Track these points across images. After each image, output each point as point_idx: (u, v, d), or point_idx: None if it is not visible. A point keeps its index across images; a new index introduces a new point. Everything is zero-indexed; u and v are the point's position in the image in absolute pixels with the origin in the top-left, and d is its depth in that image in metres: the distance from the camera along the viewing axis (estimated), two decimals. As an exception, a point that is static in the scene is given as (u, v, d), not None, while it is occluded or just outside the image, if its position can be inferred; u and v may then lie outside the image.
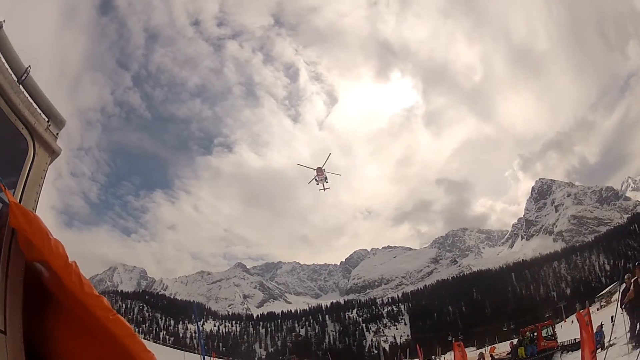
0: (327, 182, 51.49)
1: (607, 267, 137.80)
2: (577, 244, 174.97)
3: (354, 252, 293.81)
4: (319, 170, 50.79)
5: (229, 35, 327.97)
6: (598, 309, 66.72)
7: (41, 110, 3.22)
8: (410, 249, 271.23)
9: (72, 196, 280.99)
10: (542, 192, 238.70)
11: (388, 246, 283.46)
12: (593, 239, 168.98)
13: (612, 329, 12.05)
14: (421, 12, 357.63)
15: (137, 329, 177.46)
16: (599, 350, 14.25)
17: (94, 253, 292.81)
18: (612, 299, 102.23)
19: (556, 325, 33.80)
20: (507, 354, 26.97)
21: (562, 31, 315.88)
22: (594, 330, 13.71)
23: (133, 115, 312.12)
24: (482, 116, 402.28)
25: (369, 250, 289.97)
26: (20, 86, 3.02)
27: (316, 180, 51.29)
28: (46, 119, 3.22)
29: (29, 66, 3.04)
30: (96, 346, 2.15)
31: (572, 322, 69.55)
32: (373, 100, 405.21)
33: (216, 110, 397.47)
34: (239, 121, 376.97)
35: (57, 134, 3.26)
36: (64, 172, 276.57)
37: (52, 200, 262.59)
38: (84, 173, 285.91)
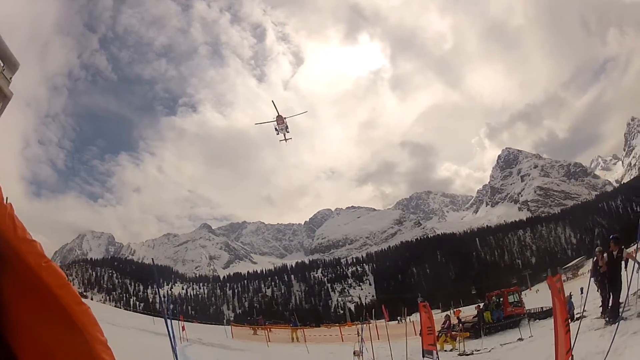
0: (288, 132, 49.28)
1: (574, 240, 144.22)
2: (543, 215, 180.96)
3: (318, 212, 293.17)
4: (279, 119, 48.44)
5: None
6: (564, 281, 67.86)
7: None
8: (374, 209, 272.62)
9: (40, 165, 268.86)
10: (508, 161, 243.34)
11: (352, 206, 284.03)
12: (559, 211, 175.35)
13: (583, 301, 11.69)
14: None
15: (108, 297, 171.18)
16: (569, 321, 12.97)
17: (62, 222, 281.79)
18: (578, 272, 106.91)
19: (522, 293, 34.08)
20: (473, 317, 26.19)
21: (540, 10, 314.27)
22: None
23: (99, 78, 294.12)
24: (449, 84, 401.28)
25: (332, 210, 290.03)
26: None
27: (276, 129, 48.95)
28: (0, 64, 2.63)
29: None
30: (28, 296, 1.96)
31: (538, 290, 69.87)
32: (340, 62, 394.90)
33: (181, 70, 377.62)
34: (203, 81, 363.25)
35: (10, 78, 2.67)
36: (32, 140, 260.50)
37: (21, 171, 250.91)
38: (50, 140, 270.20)
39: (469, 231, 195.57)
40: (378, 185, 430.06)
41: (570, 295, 18.76)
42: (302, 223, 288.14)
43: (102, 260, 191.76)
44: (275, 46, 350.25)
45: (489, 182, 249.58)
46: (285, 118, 48.05)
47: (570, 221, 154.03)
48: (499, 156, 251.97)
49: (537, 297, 43.60)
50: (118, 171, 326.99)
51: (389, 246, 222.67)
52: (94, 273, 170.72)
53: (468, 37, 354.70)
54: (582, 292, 18.24)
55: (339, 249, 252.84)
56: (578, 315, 14.76)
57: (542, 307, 25.08)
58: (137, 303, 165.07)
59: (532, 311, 25.45)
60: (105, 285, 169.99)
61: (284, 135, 49.94)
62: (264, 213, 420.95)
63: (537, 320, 22.95)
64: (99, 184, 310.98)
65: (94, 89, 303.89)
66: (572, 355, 7.61)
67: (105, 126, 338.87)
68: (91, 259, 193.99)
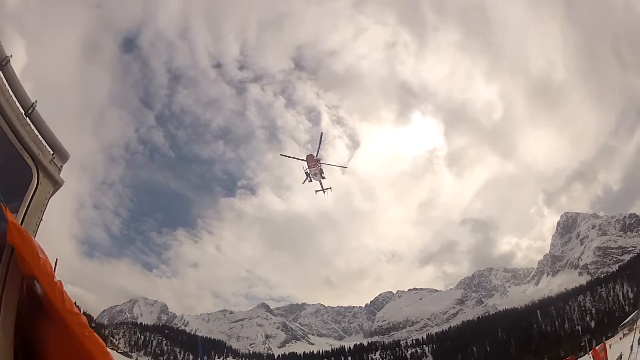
0: (324, 179, 41.31)
1: (631, 295, 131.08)
2: (602, 275, 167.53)
3: (380, 294, 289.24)
4: (311, 159, 40.01)
5: (251, 79, 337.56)
6: (621, 338, 63.39)
7: (46, 143, 3.58)
8: (436, 290, 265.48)
9: (94, 228, 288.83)
10: (567, 227, 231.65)
11: (414, 288, 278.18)
12: (617, 268, 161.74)
13: (629, 358, 11.39)
14: (439, 50, 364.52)
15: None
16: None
17: (114, 284, 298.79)
18: (634, 327, 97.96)
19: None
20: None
21: (578, 57, 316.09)
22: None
23: (157, 154, 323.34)
24: (503, 154, 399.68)
25: (394, 292, 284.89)
26: (27, 119, 3.38)
27: (308, 174, 40.50)
28: (51, 152, 3.59)
29: (36, 101, 3.39)
30: (74, 358, 2.45)
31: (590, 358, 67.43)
32: (395, 142, 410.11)
33: (239, 153, 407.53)
34: (262, 164, 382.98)
35: (61, 166, 3.66)
36: (87, 203, 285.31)
37: (73, 230, 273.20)
38: (106, 206, 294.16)
39: (530, 304, 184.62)
40: (440, 265, 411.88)
41: (621, 356, 20.18)
42: (363, 306, 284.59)
43: (153, 326, 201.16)
44: (331, 129, 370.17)
45: (549, 251, 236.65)
46: (319, 160, 40.29)
47: (627, 276, 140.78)
48: (558, 222, 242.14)
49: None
50: (175, 245, 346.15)
51: (450, 326, 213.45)
52: (142, 337, 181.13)
53: (515, 100, 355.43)
54: (631, 350, 18.24)
55: (399, 331, 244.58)
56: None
57: None
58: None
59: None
60: (153, 350, 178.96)
61: (321, 184, 42.12)
62: (323, 295, 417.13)
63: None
64: (154, 255, 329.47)
65: (152, 164, 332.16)
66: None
67: (162, 201, 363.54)
68: (141, 323, 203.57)
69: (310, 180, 40.94)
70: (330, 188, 43.32)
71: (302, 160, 40.43)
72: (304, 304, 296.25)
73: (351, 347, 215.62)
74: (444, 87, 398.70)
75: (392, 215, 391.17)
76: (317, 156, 40.30)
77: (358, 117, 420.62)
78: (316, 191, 42.91)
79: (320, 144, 41.34)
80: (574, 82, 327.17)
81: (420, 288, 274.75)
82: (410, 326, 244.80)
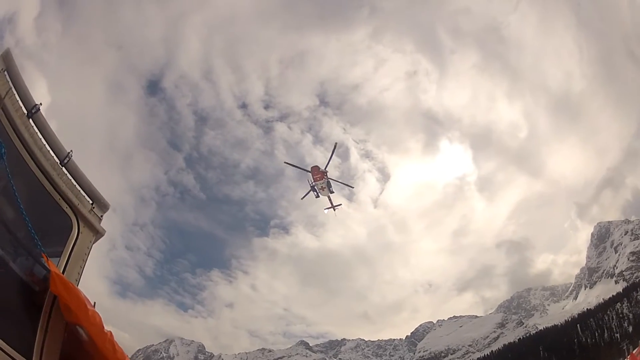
0: (332, 193, 38.08)
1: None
2: (637, 280, 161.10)
3: (420, 325, 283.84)
4: (316, 171, 36.50)
5: (277, 118, 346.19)
6: None
7: (85, 193, 3.63)
8: (476, 316, 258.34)
9: (127, 268, 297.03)
10: (601, 236, 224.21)
11: (454, 316, 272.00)
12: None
13: None
14: (459, 74, 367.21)
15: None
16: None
17: (148, 324, 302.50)
18: None
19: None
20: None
21: (594, 64, 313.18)
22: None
23: (187, 196, 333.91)
24: (532, 173, 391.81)
25: (434, 322, 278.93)
26: (63, 168, 3.42)
27: (314, 188, 37.18)
28: (90, 201, 3.65)
29: (71, 150, 3.43)
30: None
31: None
32: (425, 172, 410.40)
33: (270, 192, 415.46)
34: (293, 203, 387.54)
35: (101, 216, 3.71)
36: (119, 244, 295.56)
37: (105, 271, 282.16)
38: (139, 248, 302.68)
39: (569, 319, 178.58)
40: (478, 291, 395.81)
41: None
42: (403, 338, 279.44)
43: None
44: (360, 164, 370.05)
45: (585, 264, 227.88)
46: (326, 173, 36.56)
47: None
48: (592, 234, 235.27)
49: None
50: (210, 286, 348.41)
51: (492, 351, 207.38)
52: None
53: (539, 117, 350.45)
54: None
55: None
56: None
57: None
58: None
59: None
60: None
61: (330, 201, 39.15)
62: (361, 329, 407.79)
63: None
64: (189, 296, 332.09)
65: (183, 205, 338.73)
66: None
67: (195, 242, 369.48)
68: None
69: (318, 196, 37.59)
70: (340, 205, 40.27)
71: (308, 171, 36.89)
72: (343, 339, 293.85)
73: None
74: (467, 112, 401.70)
75: (425, 245, 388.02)
76: (325, 169, 36.59)
77: (386, 150, 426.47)
78: (325, 209, 39.66)
79: (332, 155, 37.79)
80: (592, 90, 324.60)
81: (460, 315, 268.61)
82: (452, 354, 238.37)
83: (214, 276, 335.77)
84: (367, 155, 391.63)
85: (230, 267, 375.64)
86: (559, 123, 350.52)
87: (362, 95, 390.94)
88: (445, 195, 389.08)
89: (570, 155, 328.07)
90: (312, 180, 36.50)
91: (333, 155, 38.09)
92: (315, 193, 37.64)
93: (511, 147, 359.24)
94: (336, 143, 39.99)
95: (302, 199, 40.04)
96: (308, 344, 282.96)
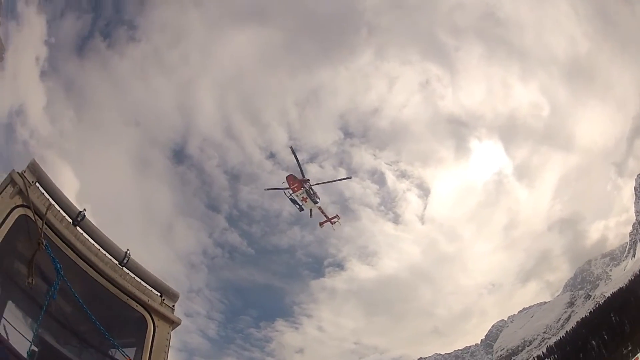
0: (317, 202, 34.24)
1: None
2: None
3: (492, 325, 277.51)
4: (291, 180, 33.06)
5: (307, 159, 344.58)
6: None
7: (151, 287, 3.64)
8: (545, 302, 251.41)
9: (190, 335, 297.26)
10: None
11: (523, 308, 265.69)
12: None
13: None
14: (469, 70, 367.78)
15: None
16: None
17: None
18: None
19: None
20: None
21: (592, 20, 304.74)
22: None
23: (236, 254, 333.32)
24: (564, 148, 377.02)
25: (505, 319, 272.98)
26: (124, 268, 3.45)
27: (294, 201, 33.64)
28: (158, 294, 3.67)
29: (128, 249, 3.44)
30: None
31: None
32: (462, 176, 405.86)
33: (317, 234, 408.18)
34: (342, 238, 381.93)
35: (173, 306, 3.73)
36: (177, 313, 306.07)
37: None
38: (198, 312, 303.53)
39: (633, 278, 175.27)
40: (540, 277, 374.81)
41: None
42: (479, 342, 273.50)
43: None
44: (398, 185, 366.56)
45: (636, 219, 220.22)
46: (305, 181, 33.01)
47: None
48: (635, 187, 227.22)
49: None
50: (277, 336, 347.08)
51: (566, 331, 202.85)
52: None
53: (555, 90, 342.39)
54: None
55: (520, 354, 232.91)
56: None
57: None
58: None
59: None
60: None
61: (323, 212, 35.03)
62: (435, 345, 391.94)
63: None
64: (257, 350, 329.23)
65: (234, 264, 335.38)
66: None
67: (254, 296, 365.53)
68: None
69: (301, 209, 34.42)
70: (337, 217, 36.20)
71: (285, 189, 33.63)
72: (420, 358, 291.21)
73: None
74: (487, 106, 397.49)
75: (479, 248, 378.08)
76: (303, 176, 33.10)
77: (419, 165, 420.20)
78: (320, 223, 35.73)
79: (296, 159, 33.66)
80: (597, 47, 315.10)
81: (529, 306, 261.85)
82: (528, 346, 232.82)
83: (279, 326, 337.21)
84: (402, 175, 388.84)
85: (293, 314, 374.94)
86: (576, 89, 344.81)
87: (383, 117, 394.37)
88: (487, 193, 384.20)
89: (594, 118, 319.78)
90: (291, 193, 32.94)
91: (298, 159, 33.84)
92: (298, 206, 33.94)
93: (538, 128, 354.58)
94: (291, 146, 34.69)
95: (321, 225, 35.57)
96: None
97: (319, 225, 36.66)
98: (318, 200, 33.79)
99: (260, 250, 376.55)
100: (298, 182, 32.66)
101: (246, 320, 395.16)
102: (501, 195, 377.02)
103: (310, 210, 34.32)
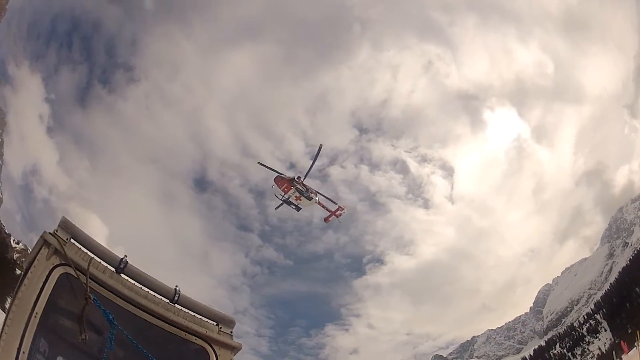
0: (311, 199, 32.66)
1: None
2: None
3: (538, 291, 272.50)
4: (279, 181, 31.93)
5: (328, 163, 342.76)
6: None
7: (207, 318, 3.63)
8: (585, 258, 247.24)
9: (243, 356, 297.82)
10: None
11: (565, 269, 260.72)
12: None
13: None
14: (467, 42, 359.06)
15: None
16: None
17: None
18: None
19: None
20: None
21: None
22: None
23: (275, 268, 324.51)
24: (576, 100, 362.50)
25: (550, 283, 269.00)
26: (176, 305, 3.44)
27: (287, 202, 32.73)
28: (215, 323, 3.66)
29: (177, 286, 3.43)
30: None
31: None
32: (483, 149, 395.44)
33: (351, 233, 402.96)
34: (377, 234, 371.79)
35: (231, 332, 3.70)
36: None
37: None
38: (247, 332, 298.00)
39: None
40: (577, 234, 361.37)
41: None
42: (528, 310, 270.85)
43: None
44: (421, 170, 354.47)
45: None
46: (293, 181, 31.53)
47: None
48: None
49: None
50: (329, 341, 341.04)
51: (610, 283, 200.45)
52: None
53: (555, 45, 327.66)
54: None
55: (570, 315, 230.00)
56: None
57: None
58: None
59: None
60: None
61: (324, 207, 33.74)
62: (486, 321, 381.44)
63: None
64: (312, 358, 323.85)
65: (275, 278, 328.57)
66: None
67: (300, 307, 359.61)
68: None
69: (298, 208, 33.18)
70: (340, 208, 34.48)
71: (277, 173, 32.46)
72: (473, 337, 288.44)
73: (531, 354, 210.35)
74: (493, 75, 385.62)
75: (513, 217, 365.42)
76: (297, 177, 31.97)
77: (439, 146, 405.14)
78: (325, 219, 34.50)
79: (315, 159, 32.88)
80: None
81: (571, 265, 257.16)
82: (576, 305, 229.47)
83: (329, 331, 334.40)
84: (424, 159, 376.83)
85: (341, 317, 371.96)
86: (575, 40, 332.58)
87: (394, 107, 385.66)
88: (509, 161, 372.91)
89: (598, 64, 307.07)
90: (282, 194, 31.93)
91: (317, 158, 33.33)
92: (293, 206, 32.85)
93: (546, 86, 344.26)
94: (321, 145, 32.13)
95: (275, 209, 34.47)
96: (442, 356, 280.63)
97: (324, 221, 35.40)
98: (313, 196, 32.25)
99: (298, 260, 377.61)
100: (286, 181, 31.61)
101: (296, 332, 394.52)
102: (524, 161, 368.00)
103: (319, 203, 32.64)
